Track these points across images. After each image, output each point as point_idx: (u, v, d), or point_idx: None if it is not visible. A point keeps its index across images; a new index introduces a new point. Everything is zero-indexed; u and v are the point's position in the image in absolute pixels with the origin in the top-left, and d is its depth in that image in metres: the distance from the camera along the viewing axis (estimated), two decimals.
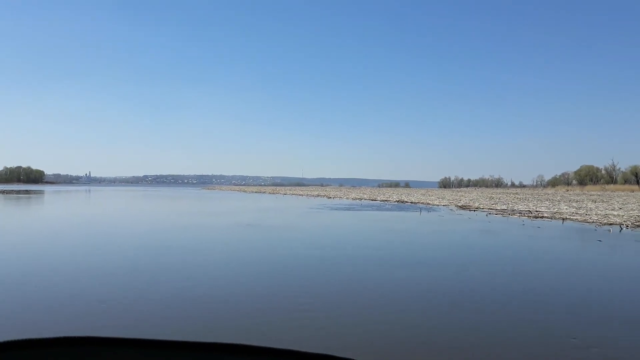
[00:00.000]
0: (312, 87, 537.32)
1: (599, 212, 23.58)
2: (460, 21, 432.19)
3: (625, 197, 47.58)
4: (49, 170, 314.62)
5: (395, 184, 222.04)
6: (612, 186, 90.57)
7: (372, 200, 45.32)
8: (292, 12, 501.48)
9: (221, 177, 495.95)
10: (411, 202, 38.62)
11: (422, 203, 37.37)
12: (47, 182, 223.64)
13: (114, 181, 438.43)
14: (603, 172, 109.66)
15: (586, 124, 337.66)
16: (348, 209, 29.00)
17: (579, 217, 20.59)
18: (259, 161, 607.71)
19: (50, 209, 27.04)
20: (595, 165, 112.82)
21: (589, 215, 21.70)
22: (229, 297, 5.78)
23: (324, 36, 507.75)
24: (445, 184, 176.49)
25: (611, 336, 4.42)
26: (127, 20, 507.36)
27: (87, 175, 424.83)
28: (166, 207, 30.99)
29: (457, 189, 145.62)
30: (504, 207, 29.39)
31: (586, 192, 73.76)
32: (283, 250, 10.22)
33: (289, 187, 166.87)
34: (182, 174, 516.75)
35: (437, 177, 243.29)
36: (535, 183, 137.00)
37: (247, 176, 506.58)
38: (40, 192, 70.40)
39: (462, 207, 30.47)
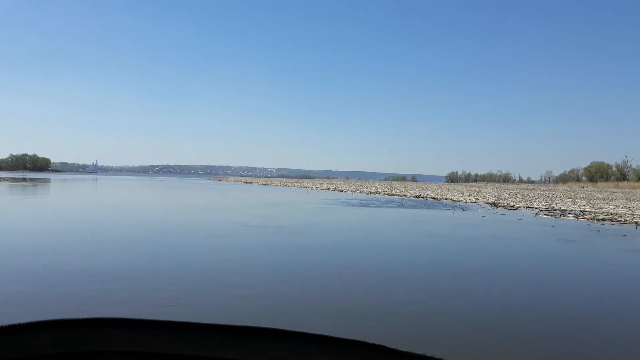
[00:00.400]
0: (320, 80, 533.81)
1: None
2: (471, 14, 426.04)
3: None
4: (56, 159, 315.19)
5: (402, 178, 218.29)
6: (625, 183, 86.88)
7: (387, 195, 42.19)
8: (301, 4, 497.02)
9: (227, 167, 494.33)
10: (433, 198, 35.41)
11: (445, 199, 34.18)
12: (53, 171, 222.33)
13: (121, 170, 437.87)
14: (614, 168, 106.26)
15: (593, 121, 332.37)
16: (367, 205, 25.95)
17: None
18: (266, 153, 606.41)
19: (45, 200, 24.21)
20: (605, 161, 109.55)
21: None
22: None
23: (331, 29, 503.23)
24: (453, 179, 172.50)
25: None
26: (136, 10, 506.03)
27: (94, 164, 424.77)
28: (169, 199, 28.08)
29: (466, 183, 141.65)
30: (541, 205, 26.22)
31: (602, 189, 69.66)
32: (313, 279, 7.24)
33: (295, 179, 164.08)
34: (188, 164, 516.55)
35: (443, 171, 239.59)
36: (543, 179, 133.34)
37: (253, 167, 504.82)
38: (46, 180, 67.97)
39: (496, 205, 27.26)
